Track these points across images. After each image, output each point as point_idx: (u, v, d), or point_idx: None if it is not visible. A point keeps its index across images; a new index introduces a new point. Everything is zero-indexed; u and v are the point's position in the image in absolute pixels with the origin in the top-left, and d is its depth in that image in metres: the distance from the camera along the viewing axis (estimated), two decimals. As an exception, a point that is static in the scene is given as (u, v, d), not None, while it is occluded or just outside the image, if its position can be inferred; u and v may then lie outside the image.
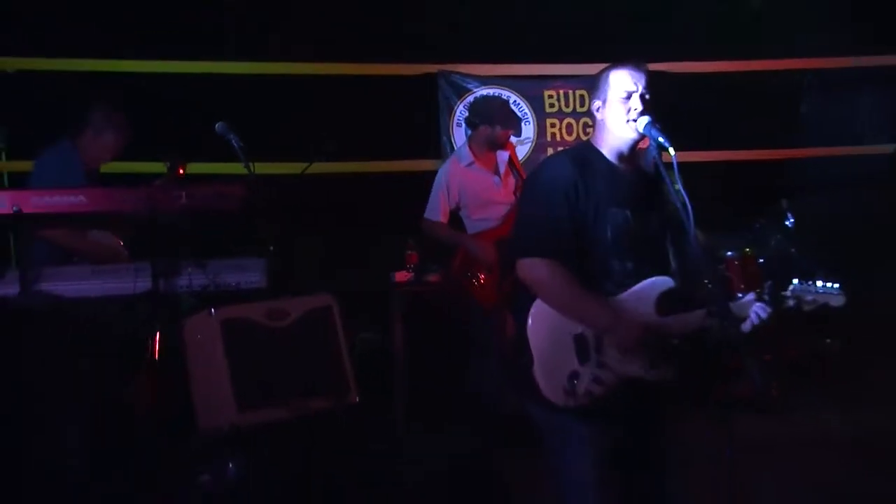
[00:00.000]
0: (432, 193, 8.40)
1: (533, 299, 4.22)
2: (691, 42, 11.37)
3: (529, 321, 4.21)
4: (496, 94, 10.63)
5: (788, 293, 4.31)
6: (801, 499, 6.63)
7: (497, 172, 8.18)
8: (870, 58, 13.19)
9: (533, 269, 4.17)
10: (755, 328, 4.26)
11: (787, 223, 9.20)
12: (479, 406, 7.90)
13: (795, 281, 4.32)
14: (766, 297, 4.28)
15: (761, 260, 8.98)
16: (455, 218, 8.35)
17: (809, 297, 4.29)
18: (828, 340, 9.35)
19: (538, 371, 4.16)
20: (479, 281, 7.93)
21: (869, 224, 10.72)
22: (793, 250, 8.97)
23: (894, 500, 6.47)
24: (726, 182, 10.93)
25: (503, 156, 8.28)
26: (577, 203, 4.15)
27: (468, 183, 8.08)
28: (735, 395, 7.92)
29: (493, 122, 8.17)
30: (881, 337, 9.77)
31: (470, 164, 8.17)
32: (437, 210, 8.23)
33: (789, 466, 7.25)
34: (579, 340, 4.15)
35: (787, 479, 6.97)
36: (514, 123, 8.44)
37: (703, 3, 11.88)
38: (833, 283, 4.29)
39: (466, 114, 9.57)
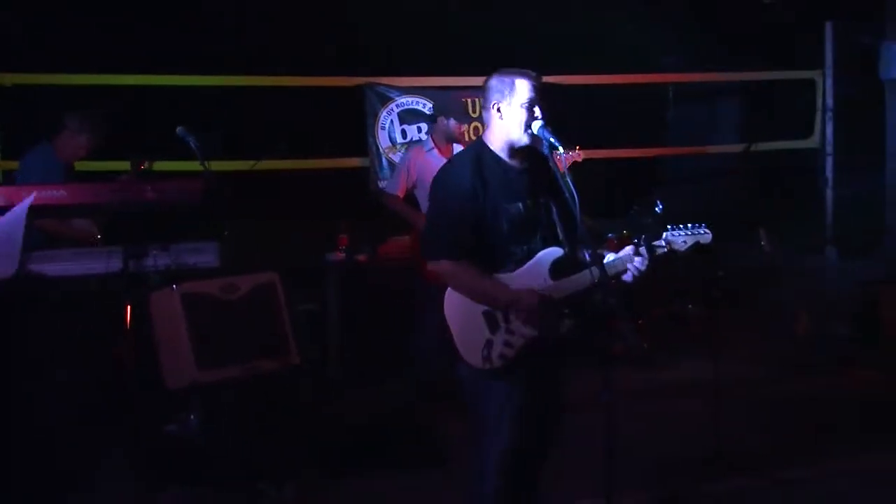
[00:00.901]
0: (395, 172, 8.57)
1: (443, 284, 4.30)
2: (579, 58, 11.47)
3: (445, 303, 4.26)
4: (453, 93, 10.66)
5: (661, 241, 4.44)
6: (667, 437, 6.73)
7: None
8: (724, 73, 13.44)
9: (440, 268, 4.23)
10: (636, 278, 4.36)
11: (657, 210, 9.30)
12: (416, 366, 7.93)
13: (668, 228, 4.43)
14: (641, 249, 4.37)
15: (636, 240, 9.08)
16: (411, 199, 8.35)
17: (681, 241, 4.43)
18: (689, 305, 9.50)
19: (458, 343, 4.22)
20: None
21: (723, 209, 10.90)
22: (660, 231, 9.08)
23: (745, 435, 6.62)
24: (607, 176, 11.08)
25: (457, 148, 8.27)
26: (476, 203, 4.17)
27: (426, 167, 8.05)
28: (612, 352, 8.02)
29: (447, 115, 8.22)
30: (733, 301, 9.98)
31: (430, 150, 8.19)
32: (396, 186, 8.25)
33: (658, 410, 7.38)
34: (488, 315, 4.19)
35: (655, 421, 7.09)
36: (467, 119, 8.45)
37: (589, 25, 11.99)
38: (700, 224, 4.41)
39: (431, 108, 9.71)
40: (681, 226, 4.45)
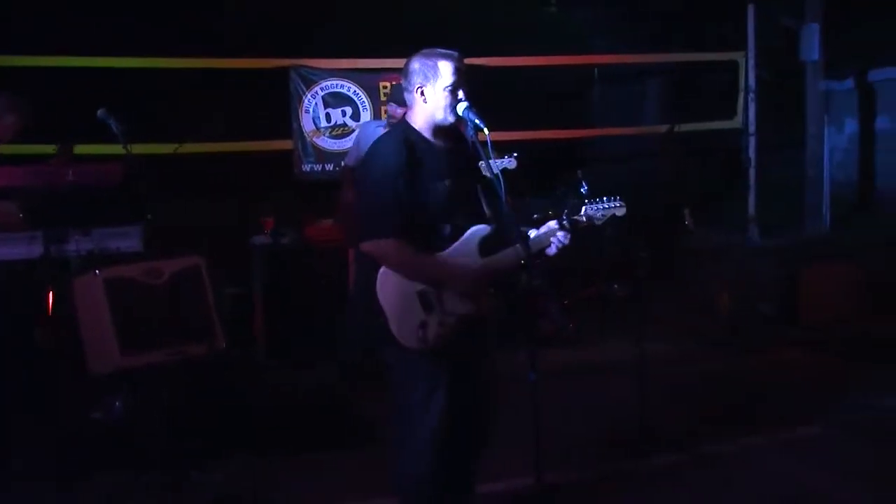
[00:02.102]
0: (352, 144, 8.59)
1: (377, 265, 4.28)
2: (505, 40, 11.53)
3: (378, 285, 4.24)
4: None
5: (582, 215, 4.55)
6: (594, 416, 6.82)
7: None
8: (648, 55, 13.58)
9: (376, 248, 4.22)
10: (559, 250, 4.46)
11: (581, 190, 9.35)
12: (341, 347, 7.93)
13: (586, 202, 4.57)
14: (564, 223, 4.49)
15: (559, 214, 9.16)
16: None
17: (599, 214, 4.56)
18: (615, 286, 9.60)
19: (392, 325, 4.21)
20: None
21: (648, 189, 11.03)
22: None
23: (670, 413, 6.72)
24: (533, 156, 11.12)
25: None
26: (404, 182, 4.18)
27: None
28: (540, 332, 8.11)
29: (393, 101, 8.23)
30: (658, 281, 10.11)
31: (377, 128, 8.18)
32: (352, 159, 8.24)
33: (585, 389, 7.46)
34: (423, 295, 4.21)
35: (583, 399, 7.17)
36: (394, 104, 8.41)
37: (515, 7, 12.06)
38: (615, 197, 4.59)
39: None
40: (597, 199, 4.60)
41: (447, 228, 4.27)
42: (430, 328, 4.18)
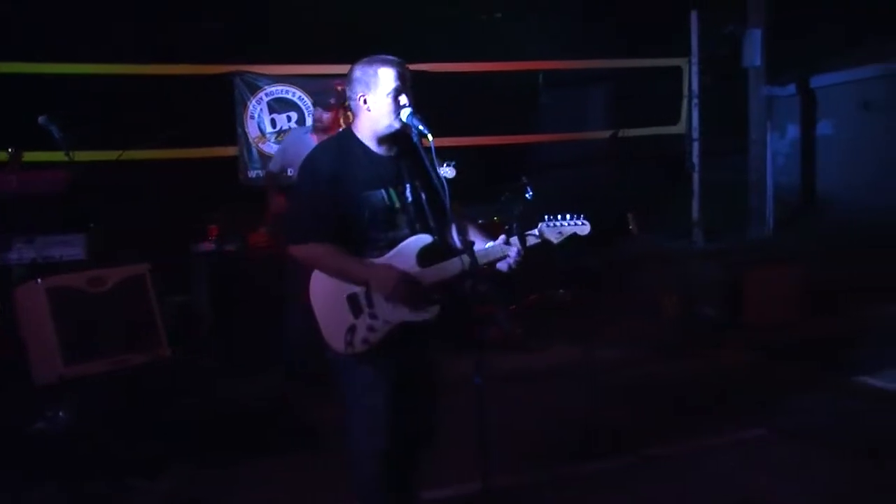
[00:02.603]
0: (277, 150, 8.58)
1: (309, 270, 4.29)
2: (451, 46, 11.57)
3: (311, 285, 4.26)
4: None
5: (535, 232, 4.39)
6: (542, 420, 6.85)
7: None
8: (593, 61, 13.70)
9: (303, 252, 4.21)
10: (510, 267, 4.32)
11: (527, 195, 9.42)
12: (288, 352, 7.90)
13: (545, 219, 4.42)
14: (513, 239, 4.33)
15: (507, 227, 9.16)
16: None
17: (556, 232, 4.37)
18: (562, 291, 9.65)
19: (322, 326, 4.22)
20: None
21: (593, 194, 11.09)
22: (534, 218, 9.19)
23: (617, 416, 6.77)
24: (477, 162, 11.18)
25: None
26: (336, 188, 4.15)
27: (295, 150, 7.99)
28: (487, 337, 8.15)
29: (318, 104, 8.22)
30: (604, 286, 10.20)
31: (305, 134, 8.16)
32: (276, 165, 8.21)
33: (533, 394, 7.49)
34: (352, 299, 4.19)
35: (531, 404, 7.20)
36: (321, 108, 8.36)
37: (460, 13, 12.10)
38: (578, 216, 4.39)
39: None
40: (559, 217, 4.40)
41: (383, 238, 4.24)
42: (358, 333, 4.16)
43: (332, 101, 8.24)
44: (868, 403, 7.16)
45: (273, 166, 8.33)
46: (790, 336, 9.12)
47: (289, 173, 8.07)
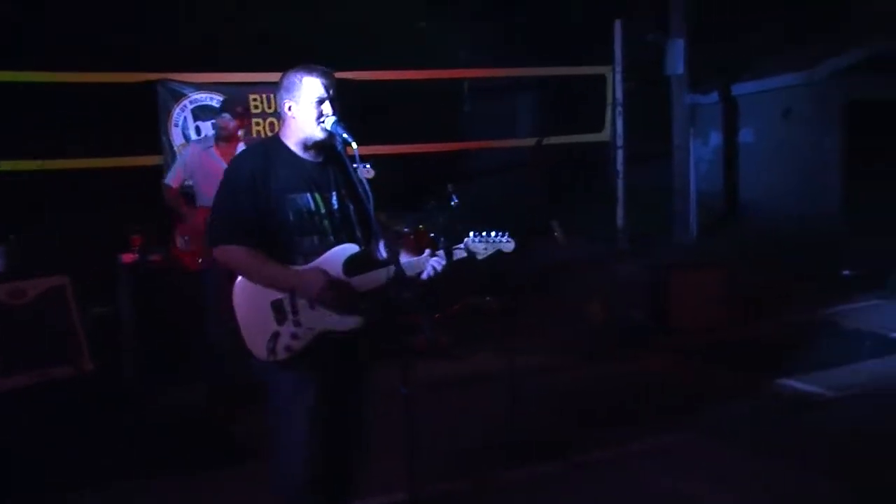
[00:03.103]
0: (174, 164, 8.38)
1: (232, 274, 4.26)
2: (375, 54, 11.57)
3: (234, 291, 4.22)
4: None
5: (461, 246, 4.44)
6: (469, 428, 6.85)
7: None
8: (518, 69, 13.78)
9: (226, 254, 4.18)
10: (431, 278, 4.37)
11: (452, 203, 9.45)
12: (212, 363, 7.82)
13: (471, 234, 4.47)
14: (440, 253, 4.39)
15: (432, 234, 9.23)
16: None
17: (482, 247, 4.42)
18: (487, 298, 9.67)
19: (245, 333, 4.18)
20: (197, 247, 7.82)
21: (519, 201, 11.15)
22: (458, 226, 9.23)
23: (545, 422, 6.79)
24: (403, 170, 11.20)
25: (240, 148, 8.14)
26: (261, 192, 4.15)
27: (200, 163, 7.92)
28: (413, 346, 8.14)
29: (220, 112, 8.11)
30: (531, 292, 10.24)
31: (208, 149, 8.03)
32: (173, 177, 8.09)
33: (460, 401, 7.49)
34: (276, 306, 4.17)
35: (457, 412, 7.20)
36: (222, 112, 8.25)
37: (386, 21, 12.11)
38: (503, 233, 4.44)
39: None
40: (484, 233, 4.45)
41: (308, 243, 4.23)
42: (281, 340, 4.14)
43: (239, 109, 8.18)
44: (792, 406, 7.28)
45: (172, 180, 8.13)
46: (715, 340, 9.26)
47: (190, 185, 8.03)
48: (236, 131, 8.09)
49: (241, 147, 8.07)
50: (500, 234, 4.45)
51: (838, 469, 5.86)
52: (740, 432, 6.61)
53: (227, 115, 8.00)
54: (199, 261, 7.71)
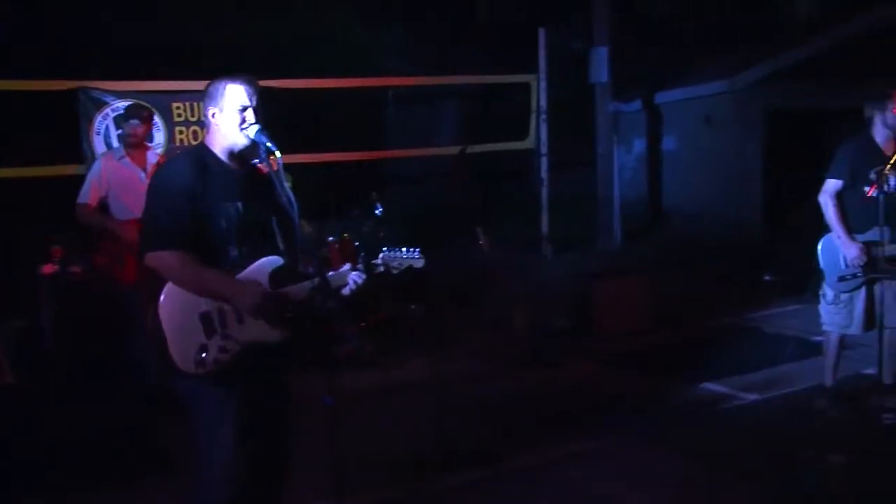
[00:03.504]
0: (85, 181, 8.09)
1: (163, 283, 4.17)
2: (298, 62, 11.55)
3: (161, 303, 4.15)
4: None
5: (379, 261, 4.52)
6: (395, 437, 6.86)
7: (145, 169, 7.93)
8: (442, 77, 13.82)
9: (160, 259, 4.11)
10: (353, 292, 4.43)
11: (376, 212, 9.45)
12: (136, 378, 7.73)
13: (384, 250, 4.54)
14: (360, 267, 4.46)
15: (357, 243, 9.23)
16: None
17: (396, 263, 4.53)
18: (412, 306, 9.68)
19: (171, 346, 4.12)
20: (123, 261, 7.73)
21: (443, 209, 11.20)
22: (381, 234, 9.25)
23: (471, 430, 6.83)
24: (328, 178, 11.19)
25: (152, 157, 8.06)
26: (193, 198, 4.12)
27: (117, 174, 7.82)
28: (338, 355, 8.13)
29: (123, 119, 8.02)
30: (455, 300, 10.28)
31: (121, 158, 7.93)
32: (88, 195, 7.90)
33: (386, 411, 7.50)
34: (205, 318, 4.14)
35: (384, 421, 7.20)
36: (130, 119, 8.14)
37: (306, 29, 12.09)
38: (414, 249, 4.54)
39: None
40: (397, 249, 4.56)
41: (237, 252, 4.22)
42: (210, 352, 4.11)
43: (145, 113, 8.11)
44: (713, 408, 7.41)
45: (89, 199, 7.90)
46: (638, 345, 9.38)
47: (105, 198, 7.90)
48: (144, 137, 8.02)
49: (150, 154, 8.02)
50: (411, 250, 4.56)
51: (755, 470, 5.99)
52: (662, 435, 6.72)
53: (135, 121, 7.90)
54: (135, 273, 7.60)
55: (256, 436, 4.28)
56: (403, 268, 4.56)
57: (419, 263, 4.56)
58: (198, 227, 4.12)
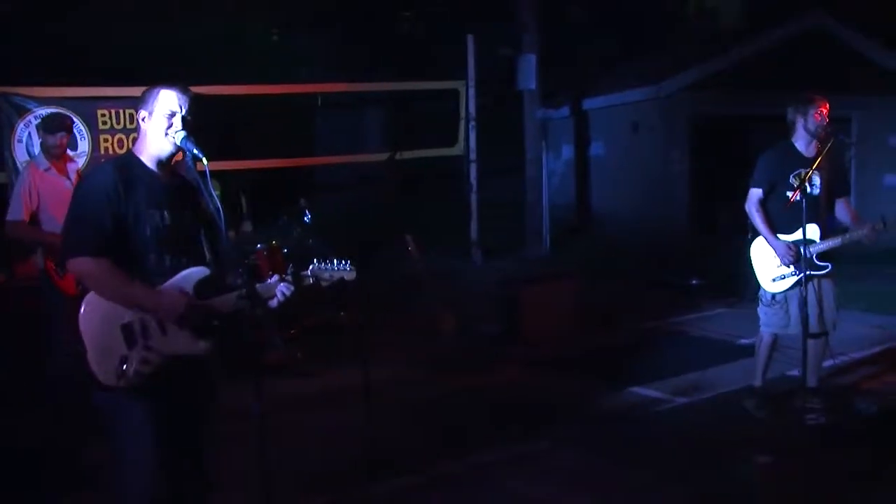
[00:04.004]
0: (14, 196, 7.87)
1: (78, 298, 4.11)
2: (227, 69, 11.49)
3: (81, 312, 4.07)
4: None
5: (308, 273, 4.48)
6: (325, 445, 6.83)
7: (69, 178, 7.80)
8: (370, 84, 13.83)
9: (81, 266, 4.04)
10: (281, 304, 4.39)
11: (305, 219, 9.42)
12: (56, 388, 7.59)
13: (314, 262, 4.53)
14: (288, 278, 4.41)
15: (286, 250, 9.18)
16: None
17: (326, 275, 4.49)
18: (341, 313, 9.65)
19: (92, 358, 4.04)
20: (60, 273, 7.58)
21: (372, 216, 11.19)
22: (310, 241, 9.22)
23: (400, 437, 6.82)
24: (256, 186, 11.11)
25: (72, 166, 7.94)
26: (118, 205, 4.05)
27: (46, 187, 7.68)
28: (267, 364, 8.06)
29: (45, 130, 7.87)
30: (384, 307, 10.26)
31: (48, 170, 7.77)
32: (19, 211, 7.69)
33: (315, 419, 7.47)
34: (126, 329, 4.06)
35: (313, 429, 7.17)
36: (56, 131, 7.98)
37: (235, 35, 12.04)
38: (345, 261, 4.52)
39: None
40: (327, 260, 4.54)
41: (163, 262, 4.16)
42: (131, 364, 4.03)
43: (68, 122, 8.00)
44: (642, 413, 7.48)
45: (20, 214, 7.53)
46: (567, 350, 9.43)
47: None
48: (65, 147, 7.89)
49: (71, 165, 7.88)
50: (342, 262, 4.54)
51: (684, 471, 6.05)
52: (592, 439, 6.76)
53: (61, 133, 7.76)
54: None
55: (178, 450, 4.22)
56: (334, 280, 4.53)
57: (350, 276, 4.54)
58: (121, 234, 4.07)
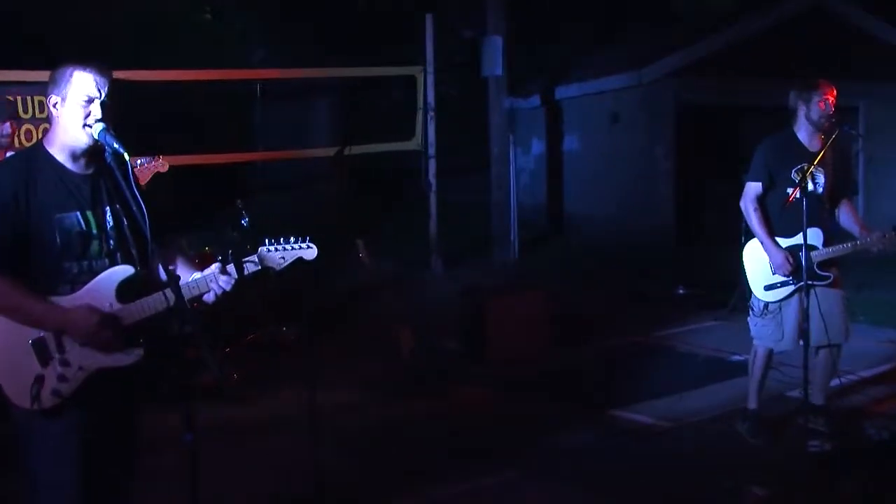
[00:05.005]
0: None
1: None
2: (150, 51, 11.39)
3: (-15, 333, 4.05)
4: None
5: (254, 258, 4.34)
6: (263, 476, 6.79)
7: None
8: (317, 70, 13.74)
9: None
10: (218, 298, 4.27)
11: (242, 222, 9.34)
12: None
13: (266, 243, 4.35)
14: (229, 268, 4.25)
15: (219, 257, 9.03)
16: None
17: (279, 257, 4.33)
18: (284, 328, 9.59)
19: (2, 380, 3.99)
20: None
21: (319, 216, 11.11)
22: (248, 246, 9.14)
23: (347, 466, 6.78)
24: (185, 184, 11.00)
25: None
26: (19, 211, 3.96)
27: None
28: (198, 385, 7.98)
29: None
30: (333, 321, 10.22)
31: None
32: None
33: (252, 447, 7.42)
34: (38, 344, 3.98)
35: (250, 459, 7.11)
36: (17, 120, 7.89)
37: (160, 15, 11.95)
38: (303, 238, 4.35)
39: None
40: (281, 239, 4.36)
41: (77, 268, 4.08)
42: (47, 384, 3.96)
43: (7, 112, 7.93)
44: (623, 438, 7.47)
45: None
46: (538, 369, 9.38)
47: None
48: (12, 137, 7.80)
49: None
50: (298, 240, 4.38)
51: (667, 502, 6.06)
52: (565, 470, 6.75)
53: (11, 122, 7.72)
54: None
55: (98, 478, 4.16)
56: (288, 262, 4.38)
57: (310, 254, 4.39)
58: (26, 242, 3.99)
